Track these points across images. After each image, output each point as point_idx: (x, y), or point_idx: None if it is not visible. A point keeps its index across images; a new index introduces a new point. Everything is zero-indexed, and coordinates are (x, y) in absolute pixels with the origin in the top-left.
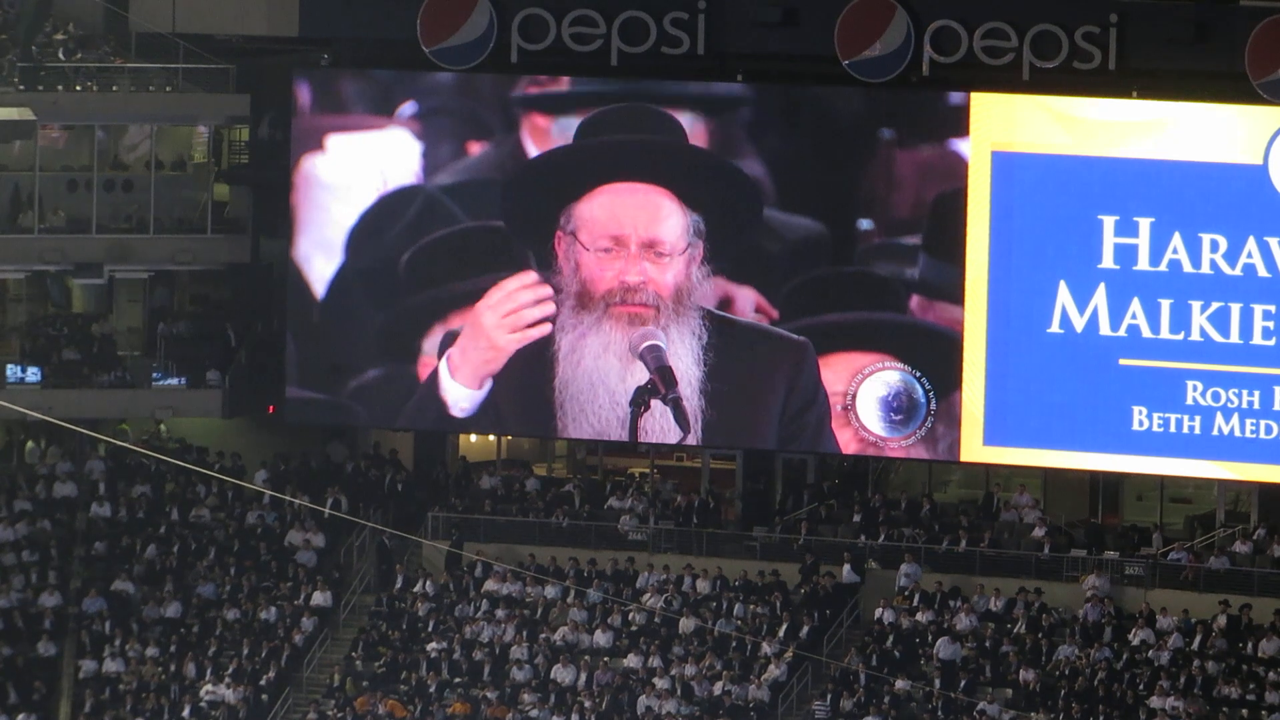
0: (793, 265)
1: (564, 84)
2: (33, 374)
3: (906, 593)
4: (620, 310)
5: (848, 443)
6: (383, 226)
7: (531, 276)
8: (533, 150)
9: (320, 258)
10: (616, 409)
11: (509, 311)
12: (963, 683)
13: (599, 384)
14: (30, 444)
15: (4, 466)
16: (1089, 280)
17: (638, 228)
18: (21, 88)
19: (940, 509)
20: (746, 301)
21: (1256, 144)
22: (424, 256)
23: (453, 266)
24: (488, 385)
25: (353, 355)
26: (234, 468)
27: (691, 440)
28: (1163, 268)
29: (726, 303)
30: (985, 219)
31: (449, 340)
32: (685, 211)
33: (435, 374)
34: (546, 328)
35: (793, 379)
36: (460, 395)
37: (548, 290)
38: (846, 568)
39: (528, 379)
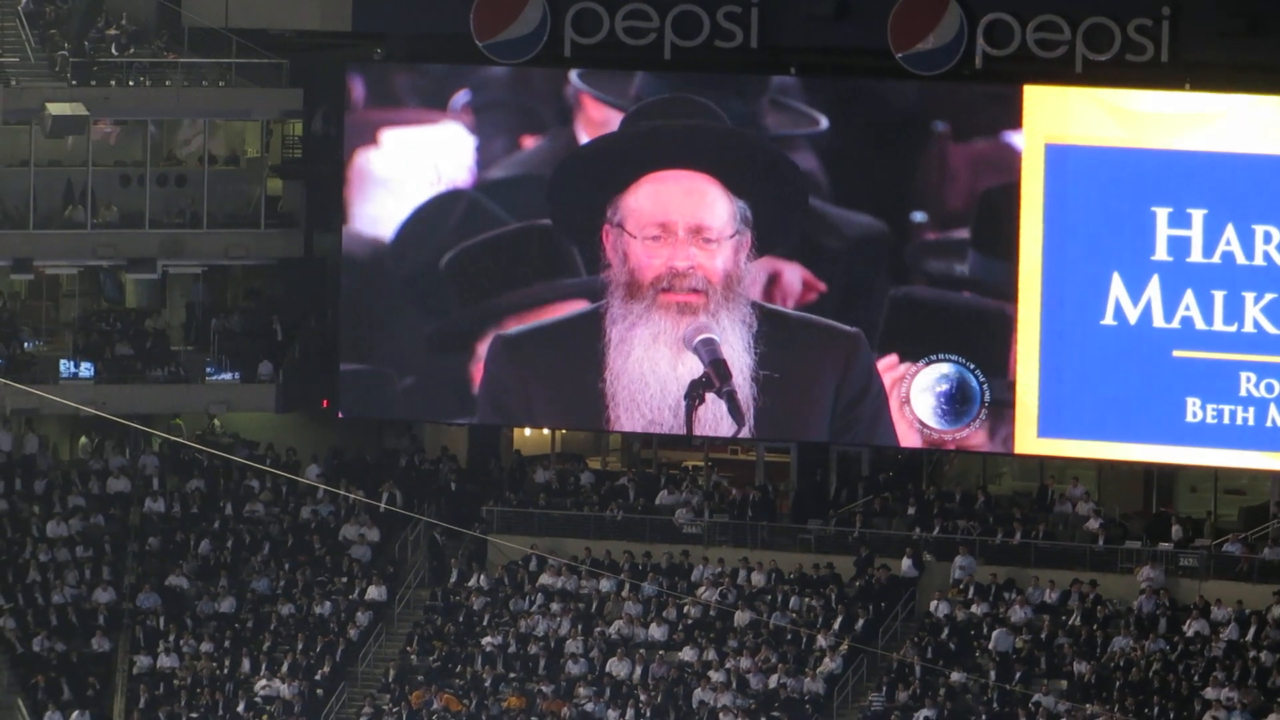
0: (851, 263)
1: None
2: (86, 369)
3: (961, 585)
4: (669, 298)
5: (903, 435)
6: (427, 230)
7: None
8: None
9: (373, 253)
10: (668, 398)
11: None
12: (1018, 675)
13: (649, 374)
14: (84, 439)
15: (58, 462)
16: (1142, 272)
17: (684, 214)
18: (74, 83)
19: (995, 501)
20: (794, 277)
21: None
22: (470, 259)
23: (501, 270)
24: None
25: (403, 354)
26: (288, 462)
27: (745, 433)
28: (1216, 259)
29: (774, 278)
30: (1039, 211)
31: (499, 344)
32: (731, 198)
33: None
34: None
35: (844, 370)
36: None
37: None
38: (907, 561)
39: (578, 371)
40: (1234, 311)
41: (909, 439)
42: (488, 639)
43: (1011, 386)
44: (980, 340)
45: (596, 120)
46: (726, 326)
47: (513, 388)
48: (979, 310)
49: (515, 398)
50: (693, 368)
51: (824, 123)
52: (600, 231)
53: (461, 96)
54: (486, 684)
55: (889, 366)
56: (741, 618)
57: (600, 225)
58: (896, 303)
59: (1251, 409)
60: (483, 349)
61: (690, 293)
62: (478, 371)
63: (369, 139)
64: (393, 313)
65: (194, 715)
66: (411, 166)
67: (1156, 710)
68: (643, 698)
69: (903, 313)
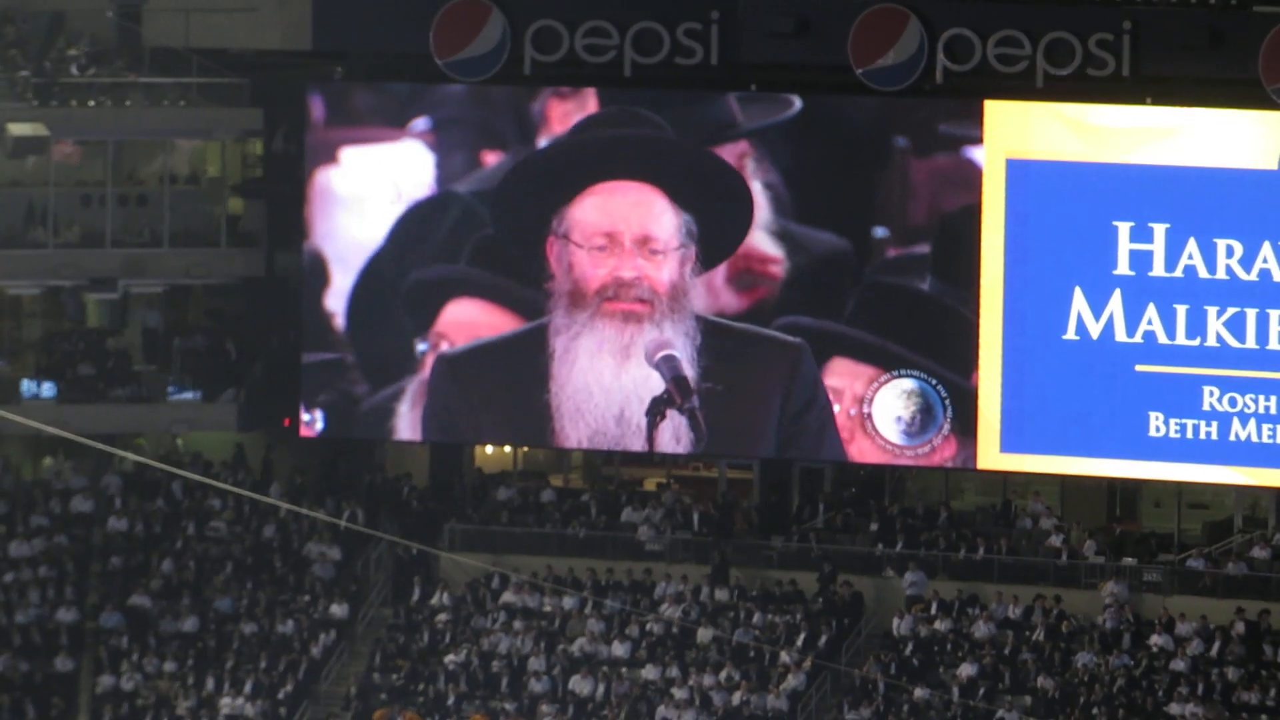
0: (813, 278)
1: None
2: (48, 389)
3: (924, 601)
4: (613, 307)
5: (864, 451)
6: (408, 245)
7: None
8: None
9: (339, 273)
10: (612, 408)
11: None
12: (981, 691)
13: (594, 384)
14: (47, 460)
15: (20, 482)
16: (1104, 286)
17: (630, 224)
18: (35, 103)
19: (957, 517)
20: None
21: (1270, 149)
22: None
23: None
24: None
25: (362, 371)
26: (250, 482)
27: (685, 448)
28: (1178, 273)
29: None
30: (1000, 226)
31: (441, 364)
32: (677, 211)
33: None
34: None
35: (788, 382)
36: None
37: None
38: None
39: (521, 383)
40: (1196, 326)
41: (870, 455)
42: (450, 657)
43: (974, 401)
44: (942, 355)
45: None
46: (671, 339)
47: (457, 407)
48: (941, 325)
49: (461, 417)
50: (638, 376)
51: (784, 140)
52: (544, 243)
53: (421, 123)
54: (449, 702)
55: (850, 380)
56: (704, 635)
57: (545, 237)
58: (858, 318)
59: (1214, 423)
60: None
61: (636, 302)
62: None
63: (329, 157)
64: (350, 330)
65: None
66: (372, 184)
67: None
68: (606, 715)
69: (864, 328)
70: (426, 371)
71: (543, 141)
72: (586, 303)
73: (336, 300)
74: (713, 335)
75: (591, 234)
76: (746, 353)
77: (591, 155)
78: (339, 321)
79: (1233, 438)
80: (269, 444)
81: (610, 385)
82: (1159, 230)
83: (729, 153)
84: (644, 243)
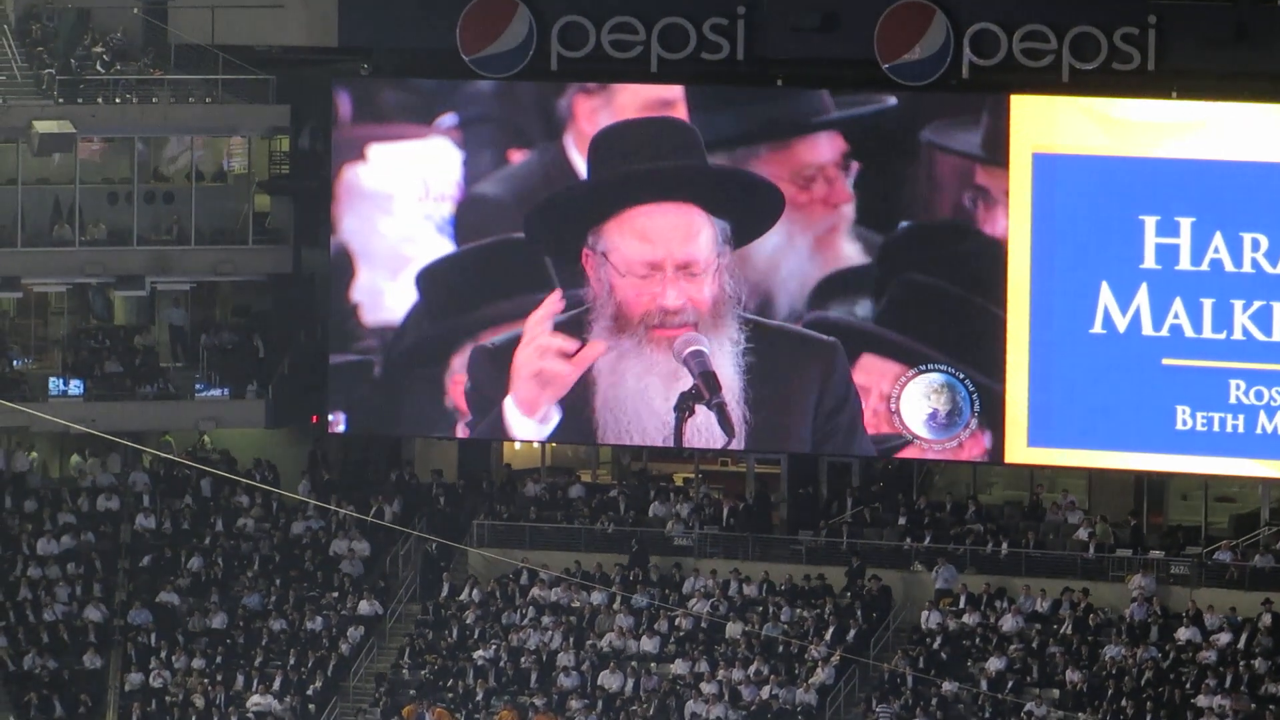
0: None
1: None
2: (75, 387)
3: (952, 595)
4: (661, 334)
5: (891, 445)
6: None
7: (553, 304)
8: (575, 157)
9: (366, 268)
10: (662, 430)
11: (538, 350)
12: (1010, 684)
13: (642, 407)
14: (75, 457)
15: (48, 480)
16: (1131, 280)
17: (672, 251)
18: (61, 100)
19: (985, 511)
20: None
21: None
22: (444, 271)
23: (477, 283)
24: (553, 415)
25: (391, 369)
26: (275, 478)
27: (735, 445)
28: (1204, 267)
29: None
30: (1027, 221)
31: (481, 355)
32: (712, 221)
33: (501, 413)
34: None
35: (824, 380)
36: (526, 429)
37: (573, 345)
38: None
39: (569, 398)
40: (1223, 319)
41: (899, 450)
42: (479, 652)
43: (1001, 396)
44: (970, 350)
45: (587, 134)
46: (716, 348)
47: (499, 399)
48: (968, 320)
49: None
50: (685, 387)
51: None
52: (580, 256)
53: (448, 119)
54: (478, 697)
55: (877, 377)
56: (733, 629)
57: (580, 250)
58: (886, 312)
59: (1241, 416)
60: (458, 362)
61: (682, 327)
62: (456, 386)
63: (356, 154)
64: (380, 328)
65: None
66: (399, 181)
67: (1149, 718)
68: (635, 710)
69: (892, 322)
70: (455, 368)
71: (569, 139)
72: (632, 327)
73: (361, 294)
74: (753, 335)
75: (633, 263)
76: (784, 351)
77: (619, 184)
78: (365, 317)
79: (1259, 431)
80: (288, 441)
81: (660, 408)
82: (1185, 224)
83: (822, 145)
84: (684, 267)
